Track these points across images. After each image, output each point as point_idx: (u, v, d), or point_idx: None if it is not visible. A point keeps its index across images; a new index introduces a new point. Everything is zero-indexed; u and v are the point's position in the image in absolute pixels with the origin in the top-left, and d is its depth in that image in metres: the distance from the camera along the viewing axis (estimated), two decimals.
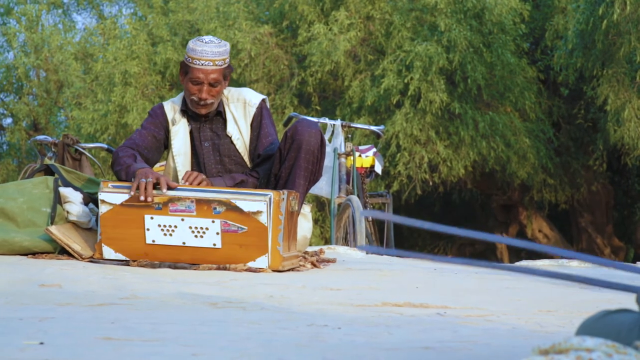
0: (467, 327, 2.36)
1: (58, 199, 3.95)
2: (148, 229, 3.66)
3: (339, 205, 5.75)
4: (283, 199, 3.68)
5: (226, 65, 4.03)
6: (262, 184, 4.07)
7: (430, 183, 12.04)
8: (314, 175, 4.04)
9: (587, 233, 13.96)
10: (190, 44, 4.02)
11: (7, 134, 18.33)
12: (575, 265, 4.61)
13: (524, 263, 4.83)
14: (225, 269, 3.63)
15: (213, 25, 12.71)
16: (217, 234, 3.63)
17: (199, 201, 3.64)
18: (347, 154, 5.96)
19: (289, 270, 3.75)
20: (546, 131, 12.23)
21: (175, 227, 3.65)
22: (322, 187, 5.92)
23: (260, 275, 3.54)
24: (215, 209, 3.63)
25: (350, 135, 6.15)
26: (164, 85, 13.67)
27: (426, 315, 2.59)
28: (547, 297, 3.14)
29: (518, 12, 11.75)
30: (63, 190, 3.97)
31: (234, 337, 2.10)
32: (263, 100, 4.17)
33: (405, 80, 11.33)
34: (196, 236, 3.65)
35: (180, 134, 4.12)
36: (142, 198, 3.61)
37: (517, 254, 15.00)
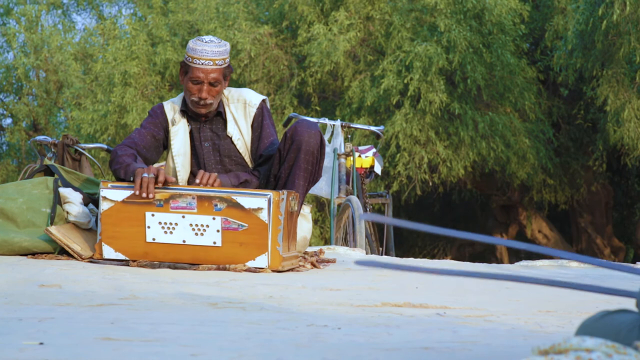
0: (466, 328, 2.36)
1: (58, 200, 3.95)
2: (149, 227, 3.66)
3: (339, 205, 5.75)
4: (282, 199, 3.68)
5: (226, 65, 4.03)
6: (262, 185, 4.08)
7: (430, 183, 12.04)
8: (314, 176, 4.04)
9: (586, 233, 13.96)
10: (191, 43, 4.03)
11: (7, 134, 18.33)
12: (575, 266, 4.61)
13: (523, 263, 4.82)
14: (225, 269, 3.63)
15: (213, 26, 12.72)
16: (218, 231, 3.64)
17: (200, 198, 3.64)
18: (347, 155, 5.96)
19: (288, 270, 3.75)
20: (546, 131, 12.23)
21: (176, 224, 3.66)
22: (321, 188, 5.92)
23: (260, 275, 3.54)
24: (216, 205, 3.64)
25: (349, 136, 6.15)
26: (163, 85, 13.67)
27: (426, 315, 2.60)
28: (547, 298, 3.14)
29: (518, 12, 11.76)
30: (63, 190, 3.97)
31: (234, 337, 2.10)
32: (263, 100, 4.18)
33: (405, 81, 11.33)
34: (197, 234, 3.65)
35: (180, 134, 4.12)
36: (143, 195, 3.62)
37: (516, 254, 15.00)
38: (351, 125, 6.14)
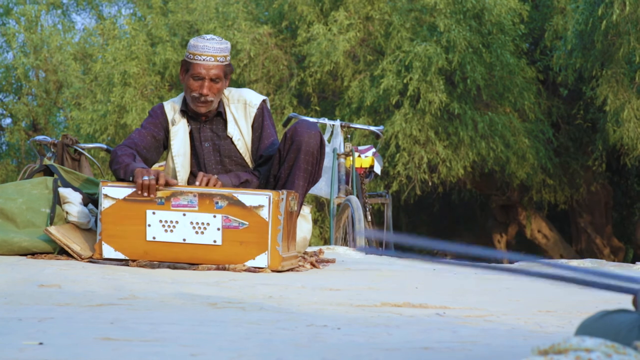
0: (466, 328, 2.36)
1: (57, 200, 3.95)
2: (149, 225, 3.66)
3: (338, 205, 5.75)
4: (282, 199, 3.68)
5: (227, 62, 4.05)
6: (262, 185, 4.08)
7: (430, 183, 12.05)
8: (314, 176, 4.04)
9: (586, 233, 13.96)
10: (192, 41, 4.05)
11: (7, 134, 18.32)
12: (575, 265, 4.61)
13: (523, 263, 4.82)
14: (224, 269, 3.63)
15: (212, 26, 12.71)
16: (218, 229, 3.64)
17: (201, 195, 3.65)
18: (347, 154, 5.95)
19: (288, 270, 3.75)
20: (545, 131, 12.24)
21: (177, 222, 3.66)
22: (321, 188, 5.92)
23: (260, 275, 3.54)
24: (217, 203, 3.64)
25: (349, 136, 6.15)
26: (163, 85, 13.66)
27: (425, 315, 2.60)
28: (547, 298, 3.14)
29: (517, 12, 11.76)
30: (62, 190, 3.97)
31: (233, 337, 2.10)
32: (264, 101, 4.18)
33: (405, 81, 11.33)
34: (197, 232, 3.65)
35: (180, 134, 4.12)
36: (145, 194, 3.63)
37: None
38: (351, 125, 6.14)
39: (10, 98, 18.42)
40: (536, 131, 12.13)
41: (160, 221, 3.67)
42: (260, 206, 3.63)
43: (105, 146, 6.22)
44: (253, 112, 4.13)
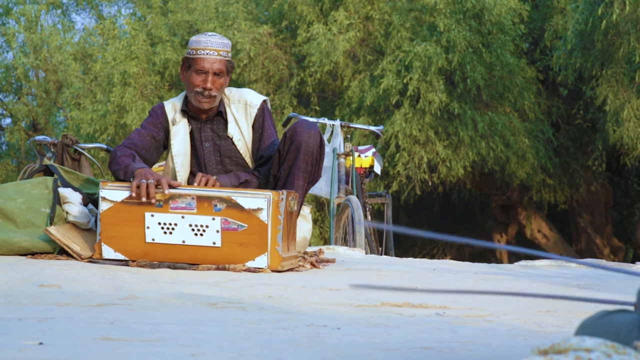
0: (466, 328, 2.36)
1: (57, 200, 3.95)
2: (148, 227, 3.66)
3: (338, 205, 5.75)
4: (282, 199, 3.68)
5: (229, 58, 4.07)
6: (262, 185, 4.07)
7: (430, 183, 12.05)
8: (313, 176, 4.04)
9: (586, 233, 13.96)
10: (194, 38, 4.08)
11: (7, 134, 18.33)
12: (574, 266, 4.62)
13: (522, 263, 4.83)
14: (224, 269, 3.63)
15: (212, 26, 12.72)
16: (217, 232, 3.64)
17: (200, 198, 3.64)
18: (346, 154, 5.95)
19: (288, 270, 3.75)
20: (545, 131, 12.24)
21: (176, 224, 3.65)
22: (321, 188, 5.92)
23: (260, 275, 3.54)
24: (215, 206, 3.64)
25: (349, 136, 6.15)
26: (163, 85, 13.66)
27: (425, 315, 2.60)
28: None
29: (517, 12, 11.76)
30: (62, 190, 3.97)
31: (233, 337, 2.10)
32: (264, 101, 4.18)
33: (405, 81, 11.33)
34: (196, 234, 3.65)
35: (180, 134, 4.12)
36: (143, 199, 3.62)
37: (516, 254, 15.00)
38: (350, 125, 6.14)
39: (10, 98, 18.42)
40: (536, 131, 12.13)
41: (159, 223, 3.66)
42: (259, 209, 3.62)
43: (105, 146, 6.22)
44: (254, 112, 4.13)
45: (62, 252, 3.83)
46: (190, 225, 3.65)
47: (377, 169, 6.27)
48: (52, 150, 5.79)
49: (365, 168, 6.22)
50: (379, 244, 6.22)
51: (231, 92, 4.17)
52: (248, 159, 4.11)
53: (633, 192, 14.92)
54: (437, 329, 2.31)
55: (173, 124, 4.12)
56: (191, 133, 4.14)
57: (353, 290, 3.16)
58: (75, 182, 4.14)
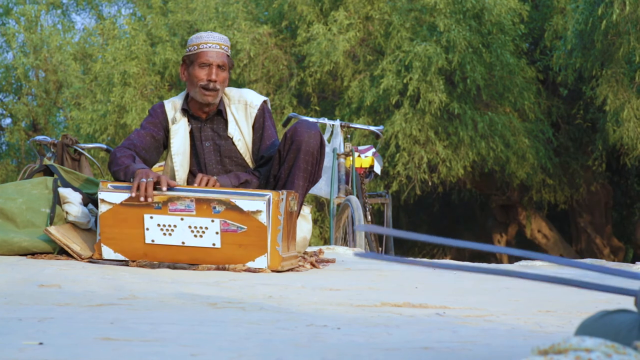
0: (466, 327, 2.36)
1: (57, 200, 3.95)
2: (147, 229, 3.66)
3: (338, 205, 5.75)
4: (282, 199, 3.68)
5: (229, 53, 4.10)
6: (262, 185, 4.07)
7: (430, 183, 12.05)
8: (313, 177, 4.04)
9: (586, 233, 13.96)
10: (193, 36, 4.12)
11: (7, 134, 18.33)
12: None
13: (522, 263, 4.82)
14: (224, 269, 3.63)
15: (212, 26, 12.72)
16: (217, 233, 3.64)
17: (198, 200, 3.64)
18: (346, 154, 5.96)
19: (288, 270, 3.75)
20: (545, 131, 12.24)
21: (175, 226, 3.65)
22: (321, 188, 5.92)
23: (260, 275, 3.54)
24: (214, 208, 3.63)
25: (349, 136, 6.15)
26: (163, 85, 13.67)
27: (425, 315, 2.59)
28: (546, 297, 3.14)
29: (517, 12, 11.76)
30: (62, 190, 3.97)
31: (233, 337, 2.10)
32: (264, 101, 4.18)
33: (405, 81, 11.33)
34: (195, 236, 3.65)
35: (180, 133, 4.11)
36: (142, 199, 3.62)
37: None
38: (350, 125, 6.14)
39: (10, 98, 18.42)
40: (536, 131, 12.13)
41: (159, 225, 3.66)
42: (258, 211, 3.62)
43: (105, 146, 6.22)
44: (254, 112, 4.13)
45: (62, 252, 3.83)
46: (190, 227, 3.65)
47: (377, 169, 6.27)
48: (52, 150, 5.79)
49: (365, 168, 6.22)
50: (379, 244, 6.22)
51: (231, 92, 4.17)
52: (248, 159, 4.11)
53: (633, 192, 14.92)
54: (437, 329, 2.31)
55: (173, 123, 4.12)
56: (191, 133, 4.14)
57: (353, 290, 3.16)
58: (75, 182, 4.14)
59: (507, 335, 2.26)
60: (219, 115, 4.12)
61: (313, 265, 3.96)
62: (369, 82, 12.04)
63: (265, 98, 4.20)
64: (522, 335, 2.27)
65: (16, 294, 2.78)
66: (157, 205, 3.65)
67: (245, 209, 3.62)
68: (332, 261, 4.21)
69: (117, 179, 3.84)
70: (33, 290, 2.86)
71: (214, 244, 3.64)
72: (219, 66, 4.03)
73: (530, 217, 14.11)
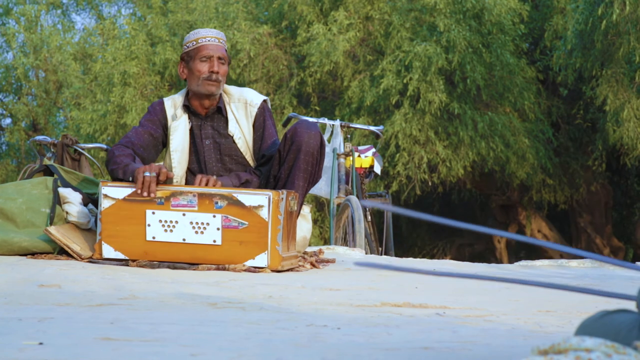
0: (466, 328, 2.36)
1: (57, 200, 3.95)
2: (149, 225, 3.67)
3: (338, 205, 5.75)
4: (282, 198, 3.68)
5: (226, 48, 4.13)
6: (262, 185, 4.07)
7: (430, 183, 12.05)
8: (314, 177, 4.04)
9: (586, 233, 13.97)
10: (191, 32, 4.16)
11: (7, 134, 18.33)
12: (575, 265, 4.61)
13: (522, 263, 4.82)
14: (224, 269, 3.63)
15: (212, 26, 12.71)
16: (218, 229, 3.64)
17: (201, 195, 3.65)
18: (346, 154, 5.95)
19: (288, 270, 3.75)
20: (545, 131, 12.24)
21: (176, 222, 3.66)
22: (321, 188, 5.92)
23: (260, 275, 3.54)
24: (217, 203, 3.64)
25: (349, 136, 6.15)
26: (162, 85, 13.67)
27: (425, 315, 2.59)
28: (546, 298, 3.14)
29: (517, 12, 11.76)
30: (62, 190, 3.97)
31: (233, 337, 2.10)
32: (265, 100, 4.18)
33: (405, 81, 11.33)
34: (197, 232, 3.65)
35: (179, 130, 4.11)
36: (145, 194, 3.63)
37: (516, 254, 15.00)
38: (350, 125, 6.14)
39: (10, 98, 18.42)
40: (536, 131, 12.13)
41: (160, 221, 3.67)
42: (260, 206, 3.63)
43: (105, 146, 6.22)
44: (254, 111, 4.13)
45: (62, 252, 3.83)
46: (191, 223, 3.66)
47: (377, 169, 6.27)
48: (52, 150, 5.79)
49: (365, 168, 6.22)
50: (379, 244, 6.22)
51: (231, 90, 4.17)
52: (249, 157, 4.11)
53: (633, 192, 14.93)
54: (437, 329, 2.31)
55: (173, 120, 4.12)
56: (191, 131, 4.14)
57: (353, 290, 3.16)
58: (75, 182, 4.14)
59: (507, 335, 2.26)
60: (219, 112, 4.12)
61: (313, 265, 3.96)
62: (369, 82, 12.04)
63: (265, 97, 4.20)
64: (522, 335, 2.27)
65: (16, 294, 2.78)
66: (159, 200, 3.66)
67: (247, 203, 3.63)
68: (332, 261, 4.21)
69: (114, 178, 3.84)
70: (33, 290, 2.86)
71: (214, 241, 3.65)
72: (219, 58, 4.06)
73: (530, 217, 14.11)
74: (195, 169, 4.11)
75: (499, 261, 14.42)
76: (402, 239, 15.43)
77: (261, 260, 3.65)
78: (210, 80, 4.04)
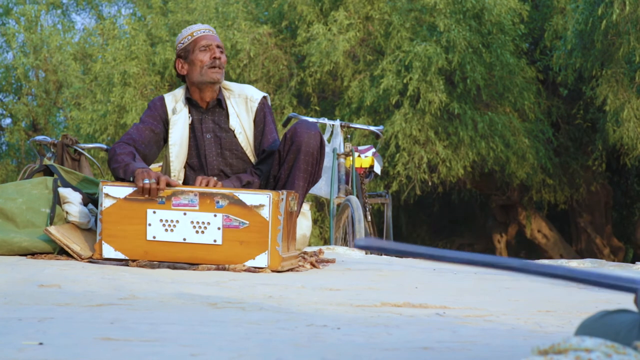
0: (466, 328, 2.36)
1: (57, 200, 3.95)
2: (150, 224, 3.67)
3: (338, 205, 5.75)
4: (282, 199, 3.68)
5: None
6: (262, 186, 4.07)
7: (430, 183, 12.05)
8: (313, 177, 4.04)
9: (586, 233, 13.96)
10: (183, 30, 4.19)
11: (7, 134, 18.33)
12: (575, 266, 4.62)
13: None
14: (224, 269, 3.63)
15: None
16: (219, 229, 3.64)
17: (202, 194, 3.65)
18: (346, 154, 5.95)
19: (288, 270, 3.75)
20: (545, 131, 12.24)
21: (177, 222, 3.66)
22: (321, 188, 5.92)
23: (260, 275, 3.54)
24: (218, 202, 3.65)
25: (349, 136, 6.15)
26: (162, 85, 13.66)
27: (425, 315, 2.59)
28: (546, 297, 3.14)
29: (517, 12, 11.76)
30: (62, 190, 3.97)
31: (233, 337, 2.10)
32: (264, 97, 4.18)
33: (405, 81, 11.33)
34: (197, 232, 3.66)
35: (179, 123, 4.10)
36: (146, 195, 3.65)
37: (516, 255, 14.99)
38: (350, 125, 6.14)
39: (10, 98, 18.42)
40: (536, 131, 12.13)
41: (161, 220, 3.67)
42: (261, 205, 3.63)
43: (105, 146, 6.22)
44: (254, 106, 4.13)
45: (62, 252, 3.83)
46: (192, 223, 3.66)
47: (377, 169, 6.27)
48: (52, 150, 5.79)
49: (365, 168, 6.22)
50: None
51: (231, 86, 4.17)
52: (249, 152, 4.11)
53: (633, 192, 14.92)
54: (437, 329, 2.31)
55: (174, 113, 4.11)
56: (192, 125, 4.13)
57: (353, 290, 3.16)
58: (75, 182, 4.14)
59: (507, 335, 2.26)
60: (220, 106, 4.12)
61: (313, 265, 3.96)
62: (369, 82, 12.04)
63: (265, 94, 4.20)
64: (522, 335, 2.27)
65: (16, 294, 2.78)
66: (160, 200, 3.66)
67: (248, 203, 3.63)
68: (332, 261, 4.21)
69: (116, 177, 3.84)
70: (33, 290, 2.86)
71: (215, 241, 3.65)
72: (218, 46, 4.09)
73: (530, 217, 14.11)
74: (195, 163, 4.10)
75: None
76: (402, 238, 15.43)
77: (261, 260, 3.65)
78: (214, 67, 4.05)
